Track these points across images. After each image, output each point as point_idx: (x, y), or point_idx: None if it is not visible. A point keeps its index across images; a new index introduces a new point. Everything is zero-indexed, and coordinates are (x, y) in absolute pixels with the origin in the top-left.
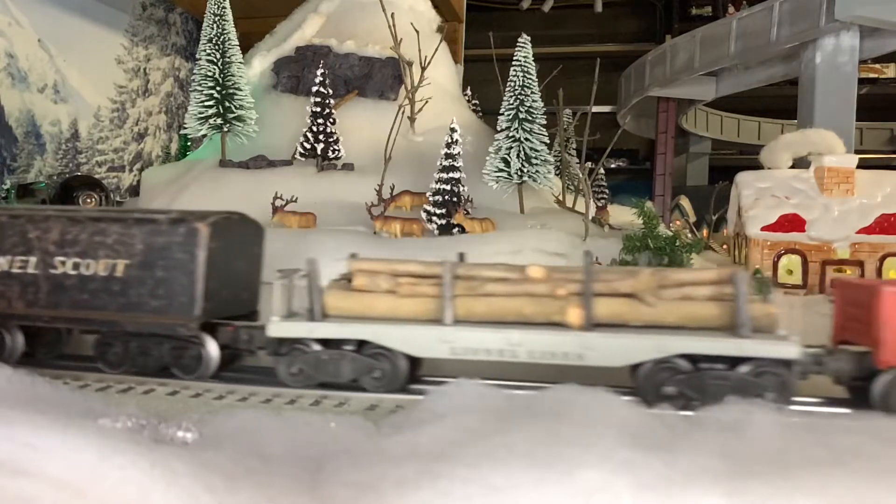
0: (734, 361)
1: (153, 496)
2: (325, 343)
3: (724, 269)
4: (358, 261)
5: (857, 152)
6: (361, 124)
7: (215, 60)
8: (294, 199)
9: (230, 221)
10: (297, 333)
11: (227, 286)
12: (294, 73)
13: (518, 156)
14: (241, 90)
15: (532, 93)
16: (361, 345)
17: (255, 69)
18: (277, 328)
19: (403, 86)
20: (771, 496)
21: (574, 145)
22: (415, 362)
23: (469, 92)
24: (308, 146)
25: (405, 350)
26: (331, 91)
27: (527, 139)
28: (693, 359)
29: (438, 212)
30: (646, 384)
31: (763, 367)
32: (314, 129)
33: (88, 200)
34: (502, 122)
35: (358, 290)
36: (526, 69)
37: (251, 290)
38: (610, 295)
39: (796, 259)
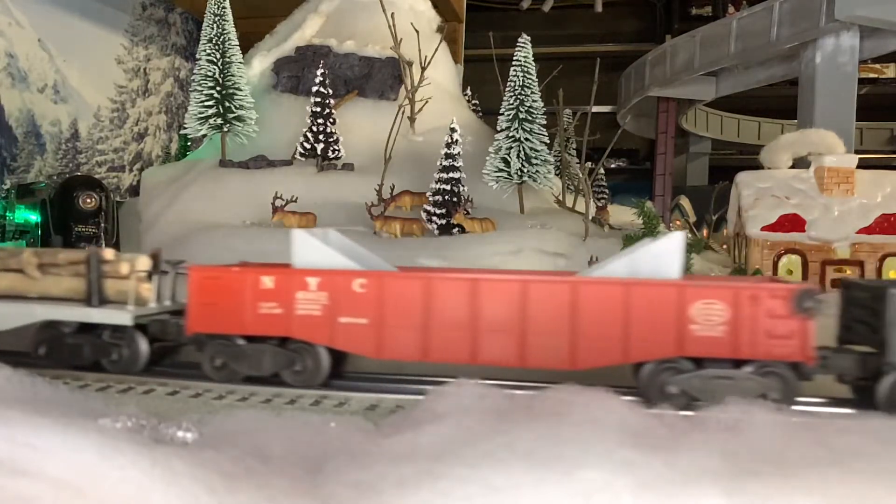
0: None
1: (153, 496)
2: None
3: (80, 252)
4: None
5: (857, 152)
6: (361, 124)
7: (215, 60)
8: (294, 199)
9: None
10: None
11: None
12: (294, 73)
13: (518, 156)
14: (241, 90)
15: (532, 93)
16: None
17: (255, 69)
18: None
19: (403, 86)
20: (771, 496)
21: (574, 145)
22: None
23: (469, 92)
24: (308, 146)
25: None
26: (331, 91)
27: (527, 139)
28: None
29: (438, 212)
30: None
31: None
32: (314, 129)
33: (88, 200)
34: (502, 122)
35: None
36: (526, 69)
37: None
38: (5, 270)
39: (796, 259)
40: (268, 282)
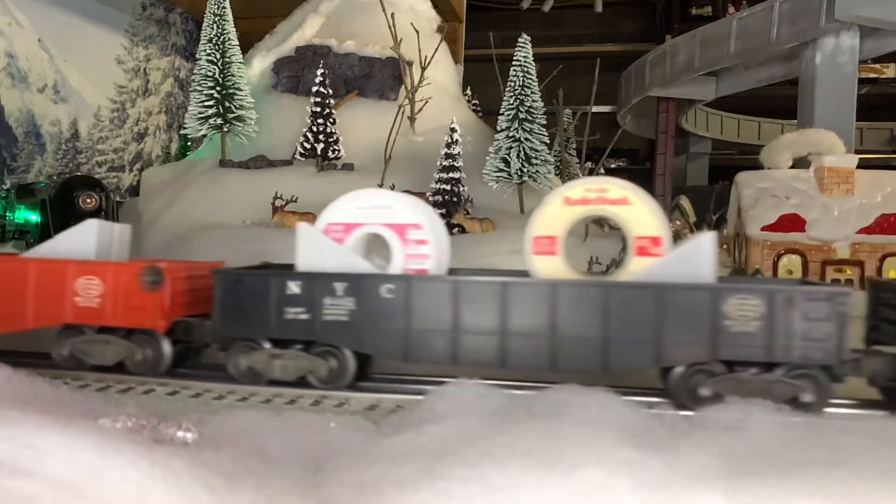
0: None
1: (153, 496)
2: None
3: None
4: None
5: (857, 152)
6: (361, 124)
7: (215, 60)
8: (294, 199)
9: None
10: None
11: None
12: (294, 73)
13: (518, 156)
14: (241, 90)
15: (532, 93)
16: None
17: (255, 69)
18: None
19: (403, 86)
20: (771, 496)
21: (574, 145)
22: None
23: (469, 92)
24: (308, 146)
25: None
26: (331, 91)
27: (527, 139)
28: None
29: (438, 212)
30: None
31: None
32: (314, 129)
33: (88, 200)
34: (502, 122)
35: None
36: (526, 69)
37: None
38: None
39: (796, 259)
40: None
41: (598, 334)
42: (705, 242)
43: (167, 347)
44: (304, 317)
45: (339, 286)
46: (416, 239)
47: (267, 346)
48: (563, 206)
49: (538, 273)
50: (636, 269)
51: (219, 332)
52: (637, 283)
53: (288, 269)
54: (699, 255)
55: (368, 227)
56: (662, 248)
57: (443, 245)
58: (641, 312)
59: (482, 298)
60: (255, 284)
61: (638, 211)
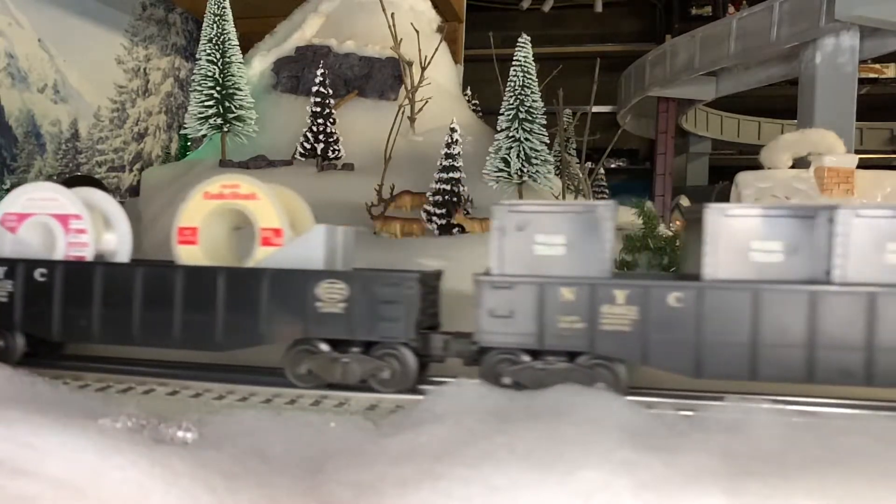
0: None
1: (153, 496)
2: None
3: None
4: None
5: (857, 152)
6: (361, 124)
7: (215, 60)
8: None
9: None
10: None
11: None
12: (294, 73)
13: (518, 156)
14: (241, 90)
15: (532, 93)
16: None
17: (255, 69)
18: None
19: (403, 86)
20: (771, 496)
21: (574, 145)
22: None
23: (469, 92)
24: (308, 146)
25: None
26: (331, 91)
27: (527, 139)
28: None
29: (438, 212)
30: None
31: None
32: (314, 129)
33: None
34: (502, 122)
35: None
36: (526, 69)
37: None
38: None
39: None
40: None
41: (220, 317)
42: (317, 234)
43: None
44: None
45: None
46: (77, 228)
47: None
48: (203, 199)
49: (179, 260)
50: (261, 256)
51: None
52: (247, 268)
53: None
54: (312, 246)
55: (38, 216)
56: (283, 238)
57: (123, 234)
58: (256, 295)
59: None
60: None
61: (263, 205)
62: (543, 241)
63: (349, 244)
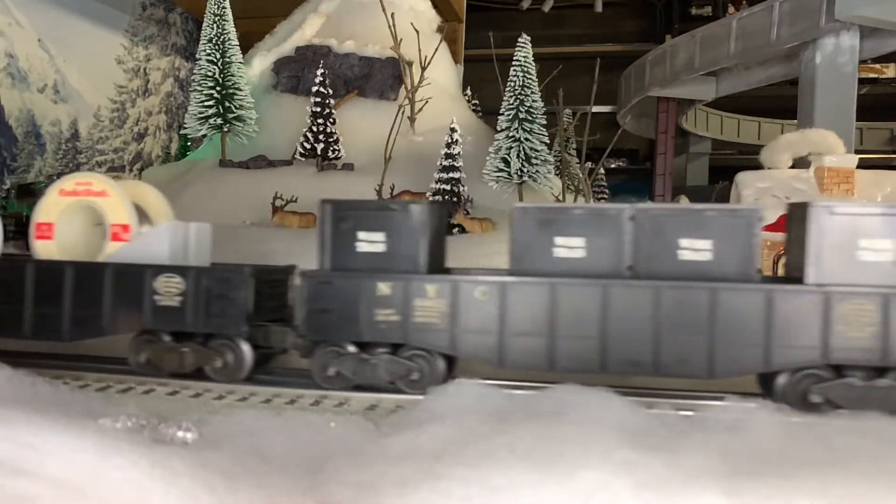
0: None
1: (153, 496)
2: None
3: None
4: None
5: (857, 152)
6: (361, 124)
7: (215, 60)
8: (294, 199)
9: None
10: None
11: None
12: (294, 73)
13: (518, 156)
14: (241, 90)
15: (532, 93)
16: None
17: (255, 69)
18: None
19: (403, 86)
20: (771, 496)
21: (574, 145)
22: None
23: (469, 92)
24: (308, 146)
25: None
26: (331, 91)
27: (527, 139)
28: None
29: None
30: None
31: None
32: (314, 129)
33: None
34: (502, 122)
35: None
36: (526, 69)
37: None
38: None
39: None
40: None
41: (68, 309)
42: (161, 231)
43: None
44: None
45: None
46: None
47: None
48: (59, 196)
49: (37, 254)
50: (110, 251)
51: None
52: (92, 263)
53: None
54: (157, 241)
55: None
56: (130, 234)
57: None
58: (100, 288)
59: None
60: None
61: (114, 202)
62: (365, 239)
63: (203, 240)
